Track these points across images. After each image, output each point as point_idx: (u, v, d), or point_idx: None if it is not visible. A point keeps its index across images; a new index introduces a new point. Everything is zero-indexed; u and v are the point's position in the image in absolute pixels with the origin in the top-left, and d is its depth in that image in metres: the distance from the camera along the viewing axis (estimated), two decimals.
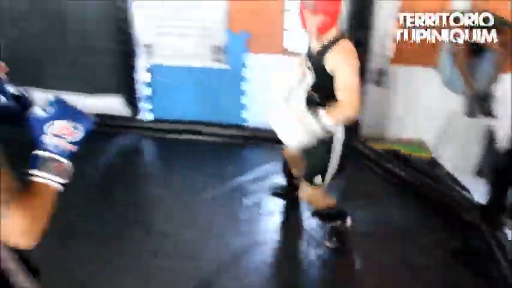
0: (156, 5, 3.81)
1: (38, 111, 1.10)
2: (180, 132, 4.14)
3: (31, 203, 1.01)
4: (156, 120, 4.21)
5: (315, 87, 2.30)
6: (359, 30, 3.51)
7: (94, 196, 3.24)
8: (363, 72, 3.57)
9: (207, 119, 4.14)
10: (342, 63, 2.19)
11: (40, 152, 1.06)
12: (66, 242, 2.65)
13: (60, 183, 1.08)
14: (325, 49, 2.25)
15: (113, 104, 4.18)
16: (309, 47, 2.42)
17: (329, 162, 2.37)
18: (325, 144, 2.32)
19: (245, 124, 4.13)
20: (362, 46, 3.46)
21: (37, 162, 1.06)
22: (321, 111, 2.19)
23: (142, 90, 4.14)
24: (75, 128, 1.12)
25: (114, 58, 4.02)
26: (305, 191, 2.52)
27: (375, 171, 3.59)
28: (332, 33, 2.25)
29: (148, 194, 3.40)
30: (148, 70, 4.07)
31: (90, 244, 2.72)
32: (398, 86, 3.71)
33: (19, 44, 4.00)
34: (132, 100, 4.17)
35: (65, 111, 1.11)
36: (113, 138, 4.05)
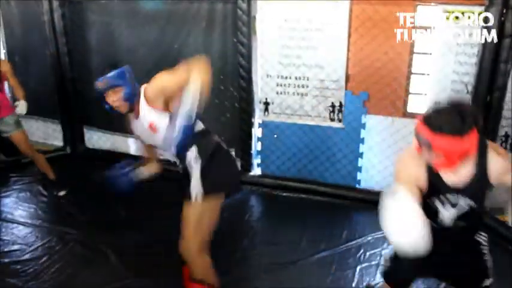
0: (276, 64, 3.92)
1: None
2: (286, 188, 4.10)
3: None
4: (263, 176, 4.22)
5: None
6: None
7: None
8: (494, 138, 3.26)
9: (315, 177, 4.06)
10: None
11: None
12: None
13: None
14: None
15: None
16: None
17: None
18: None
19: (357, 186, 3.96)
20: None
21: None
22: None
23: (255, 146, 4.20)
24: None
25: (231, 112, 4.17)
26: None
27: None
28: None
29: (249, 251, 3.31)
30: (261, 125, 4.13)
31: None
32: None
33: None
34: (244, 155, 4.23)
35: None
36: None
